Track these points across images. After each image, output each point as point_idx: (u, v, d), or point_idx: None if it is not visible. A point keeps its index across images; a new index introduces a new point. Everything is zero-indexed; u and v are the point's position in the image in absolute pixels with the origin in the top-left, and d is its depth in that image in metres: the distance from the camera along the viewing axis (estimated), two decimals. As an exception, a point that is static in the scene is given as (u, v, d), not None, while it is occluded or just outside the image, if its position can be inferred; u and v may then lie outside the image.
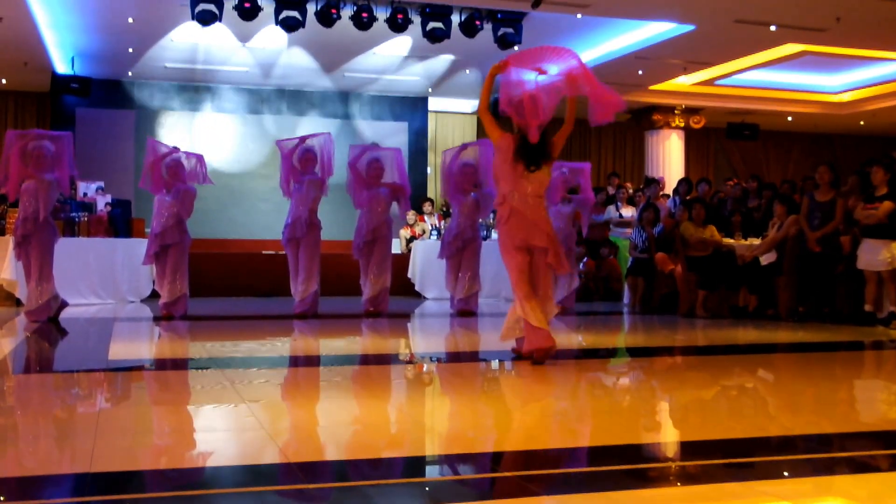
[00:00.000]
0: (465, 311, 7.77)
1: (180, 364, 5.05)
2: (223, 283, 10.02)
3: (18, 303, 7.99)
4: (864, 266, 7.03)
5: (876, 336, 6.49)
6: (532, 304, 4.54)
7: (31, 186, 6.56)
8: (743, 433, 3.14)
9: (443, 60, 11.66)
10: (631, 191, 10.78)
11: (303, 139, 7.55)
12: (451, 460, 2.75)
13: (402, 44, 10.90)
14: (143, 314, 7.96)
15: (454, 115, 14.75)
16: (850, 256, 7.18)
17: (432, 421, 3.39)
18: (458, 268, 7.86)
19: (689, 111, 14.02)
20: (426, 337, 6.93)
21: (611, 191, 10.72)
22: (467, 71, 12.28)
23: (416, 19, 9.44)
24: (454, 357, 5.20)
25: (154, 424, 3.29)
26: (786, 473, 2.57)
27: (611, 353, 6.00)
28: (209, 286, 9.59)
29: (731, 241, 8.11)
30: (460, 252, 7.84)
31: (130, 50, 11.17)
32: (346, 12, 9.19)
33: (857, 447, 2.98)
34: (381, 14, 9.27)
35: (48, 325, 6.56)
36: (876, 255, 6.93)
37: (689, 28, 9.62)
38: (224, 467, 2.64)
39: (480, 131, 14.76)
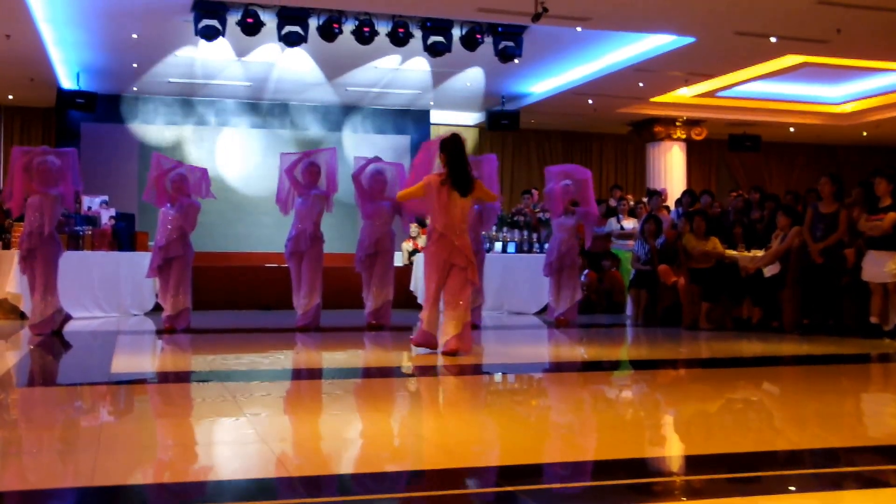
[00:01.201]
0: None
1: (183, 377, 5.05)
2: (226, 297, 10.03)
3: (23, 316, 8.00)
4: (870, 278, 7.00)
5: (882, 348, 6.45)
6: (432, 312, 5.61)
7: (36, 201, 6.59)
8: (748, 447, 3.12)
9: (444, 73, 11.70)
10: (632, 203, 10.78)
11: (307, 154, 7.56)
12: (453, 474, 2.74)
13: (410, 59, 10.94)
14: (146, 327, 7.96)
15: (456, 128, 14.79)
16: (856, 268, 7.15)
17: (435, 434, 3.37)
18: None
19: (691, 123, 14.04)
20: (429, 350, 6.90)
21: (612, 203, 10.72)
22: (468, 83, 12.32)
23: (418, 33, 9.48)
24: (457, 370, 5.19)
25: (156, 438, 3.29)
26: (792, 488, 2.54)
27: (614, 365, 5.98)
28: (212, 299, 9.60)
29: (735, 252, 8.09)
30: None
31: (134, 66, 11.24)
32: (348, 27, 9.24)
33: (865, 462, 2.95)
34: (383, 28, 9.31)
35: (52, 338, 6.56)
36: (881, 267, 6.91)
37: (689, 40, 9.65)
38: (226, 481, 2.63)
39: (483, 144, 14.83)
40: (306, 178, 7.43)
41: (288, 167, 7.46)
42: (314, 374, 5.33)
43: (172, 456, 2.98)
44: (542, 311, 9.41)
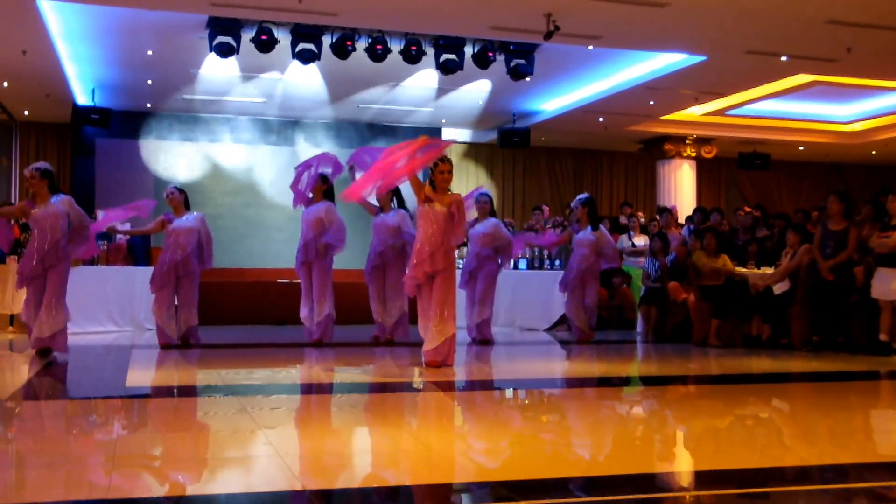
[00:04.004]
0: (482, 340, 7.79)
1: (197, 391, 5.09)
2: (238, 312, 10.07)
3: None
4: (879, 295, 6.99)
5: (891, 366, 6.44)
6: None
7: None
8: (758, 463, 3.13)
9: (456, 91, 11.79)
10: (643, 220, 10.80)
11: (306, 164, 7.52)
12: (464, 489, 2.76)
13: (422, 76, 11.02)
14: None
15: (467, 146, 14.87)
16: (865, 286, 7.14)
17: (446, 449, 3.40)
18: (474, 294, 7.92)
19: (701, 141, 14.07)
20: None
21: (623, 220, 10.73)
22: (480, 101, 12.41)
23: (430, 51, 9.57)
24: (469, 385, 5.21)
25: (170, 451, 3.32)
26: None
27: (624, 381, 5.98)
28: (224, 315, 9.65)
29: (744, 270, 8.10)
30: (474, 278, 7.90)
31: (149, 82, 11.37)
32: (361, 44, 9.34)
33: (875, 478, 2.96)
34: (396, 46, 9.41)
35: (61, 356, 6.58)
36: (890, 285, 6.90)
37: (700, 59, 9.69)
38: (239, 494, 2.66)
39: (494, 161, 14.89)
40: (315, 192, 7.48)
41: (293, 182, 7.49)
42: (326, 388, 5.36)
43: (187, 469, 3.02)
44: (554, 327, 9.43)
